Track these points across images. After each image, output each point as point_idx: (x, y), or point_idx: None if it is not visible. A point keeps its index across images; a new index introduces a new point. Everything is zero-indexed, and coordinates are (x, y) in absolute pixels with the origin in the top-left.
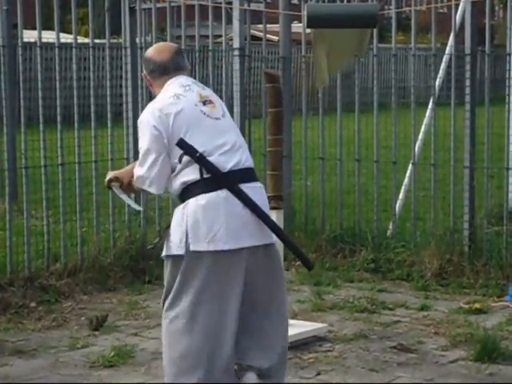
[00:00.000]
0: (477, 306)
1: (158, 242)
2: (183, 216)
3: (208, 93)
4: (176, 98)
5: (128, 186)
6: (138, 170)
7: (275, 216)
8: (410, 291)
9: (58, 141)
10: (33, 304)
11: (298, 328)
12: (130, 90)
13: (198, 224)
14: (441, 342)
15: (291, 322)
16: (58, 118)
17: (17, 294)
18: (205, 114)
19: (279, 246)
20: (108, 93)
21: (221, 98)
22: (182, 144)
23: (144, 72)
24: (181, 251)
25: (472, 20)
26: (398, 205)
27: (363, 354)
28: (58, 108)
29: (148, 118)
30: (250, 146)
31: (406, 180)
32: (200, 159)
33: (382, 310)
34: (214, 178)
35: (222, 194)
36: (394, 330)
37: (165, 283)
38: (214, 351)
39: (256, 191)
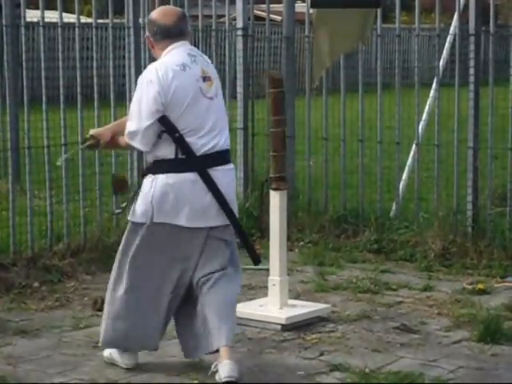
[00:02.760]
0: (480, 286)
1: (125, 207)
2: (150, 189)
3: (210, 68)
4: (182, 68)
5: (109, 143)
6: (131, 125)
7: (278, 197)
8: (413, 272)
9: (60, 121)
10: (36, 284)
11: (301, 308)
12: (133, 70)
13: (163, 199)
14: (444, 323)
15: (294, 302)
16: (61, 98)
17: (20, 274)
18: (202, 91)
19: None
20: (111, 73)
21: (224, 78)
22: (164, 121)
23: (147, 33)
24: (143, 219)
25: (476, 0)
26: (401, 185)
27: (366, 334)
28: (61, 88)
29: (151, 77)
30: (253, 126)
31: (410, 160)
32: (178, 140)
33: (385, 290)
34: (186, 160)
35: (191, 176)
36: (397, 311)
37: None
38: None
39: (226, 174)
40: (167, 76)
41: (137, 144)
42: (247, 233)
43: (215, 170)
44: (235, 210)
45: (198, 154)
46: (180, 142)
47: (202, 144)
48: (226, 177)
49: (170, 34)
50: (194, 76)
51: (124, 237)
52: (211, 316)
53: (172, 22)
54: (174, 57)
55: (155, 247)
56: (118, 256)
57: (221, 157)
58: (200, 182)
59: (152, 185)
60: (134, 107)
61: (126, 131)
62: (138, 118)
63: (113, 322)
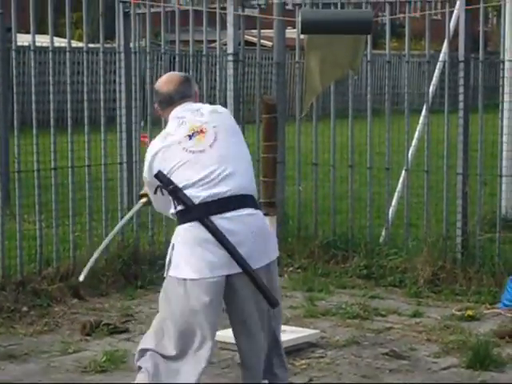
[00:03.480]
0: (469, 312)
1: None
2: (173, 240)
3: (203, 121)
4: (163, 139)
5: None
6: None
7: (268, 222)
8: (402, 298)
9: (51, 145)
10: (25, 308)
11: (290, 334)
12: (123, 94)
13: (177, 252)
14: (433, 349)
15: (284, 327)
16: (52, 122)
17: (9, 299)
18: (187, 150)
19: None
20: (101, 97)
21: (214, 103)
22: (158, 176)
23: (155, 104)
24: (165, 272)
25: (466, 27)
26: (390, 211)
27: (355, 360)
28: (52, 112)
29: (148, 151)
30: None
31: (399, 186)
32: (172, 192)
33: (375, 316)
34: (186, 210)
35: (193, 225)
36: (387, 337)
37: None
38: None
39: (236, 220)
40: (153, 153)
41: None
42: (260, 279)
43: (219, 217)
44: (253, 254)
45: (195, 203)
46: (174, 193)
47: (198, 193)
48: (237, 224)
49: (172, 100)
50: (175, 141)
51: None
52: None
53: (173, 89)
54: (164, 130)
55: (177, 304)
56: None
57: (227, 203)
58: (204, 231)
59: (174, 237)
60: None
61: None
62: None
63: None
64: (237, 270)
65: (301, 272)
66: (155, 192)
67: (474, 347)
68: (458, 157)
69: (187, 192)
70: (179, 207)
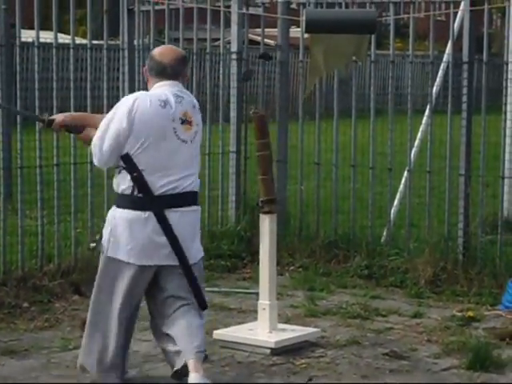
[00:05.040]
0: (470, 314)
1: (99, 239)
2: (111, 220)
3: (195, 115)
4: (162, 105)
5: (77, 132)
6: (96, 138)
7: (268, 220)
8: (403, 298)
9: (53, 141)
10: (25, 304)
11: (290, 333)
12: (126, 91)
13: (118, 233)
14: (433, 350)
15: (284, 326)
16: None
17: (10, 294)
18: (175, 132)
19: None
20: (105, 94)
21: (217, 101)
22: (125, 158)
23: (145, 66)
24: (103, 250)
25: (470, 28)
26: (392, 211)
27: (355, 360)
28: (55, 108)
29: (129, 101)
30: (246, 149)
31: (402, 187)
32: (135, 179)
33: (375, 316)
34: (143, 199)
35: (145, 215)
36: (387, 337)
37: None
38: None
39: (185, 215)
40: (144, 104)
41: (94, 158)
42: (196, 277)
43: (173, 211)
44: (191, 251)
45: (155, 194)
46: (137, 181)
47: (161, 184)
48: (185, 218)
49: (164, 72)
50: (171, 115)
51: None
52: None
53: (168, 62)
54: (159, 92)
55: (110, 279)
56: None
57: (182, 198)
58: (154, 222)
59: (112, 218)
60: (103, 123)
61: (93, 138)
62: (102, 135)
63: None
64: (170, 262)
65: (302, 271)
66: (119, 172)
67: (475, 348)
68: (460, 158)
69: (149, 179)
70: (135, 193)
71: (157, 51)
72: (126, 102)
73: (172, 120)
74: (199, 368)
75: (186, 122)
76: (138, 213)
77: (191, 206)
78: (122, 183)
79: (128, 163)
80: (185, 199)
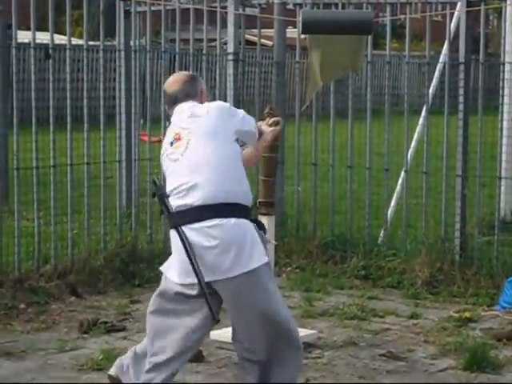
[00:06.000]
0: (467, 314)
1: None
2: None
3: (183, 126)
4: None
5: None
6: None
7: (266, 222)
8: (400, 299)
9: (50, 142)
10: (22, 306)
11: None
12: (123, 92)
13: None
14: (430, 351)
15: None
16: (51, 120)
17: (6, 296)
18: (169, 158)
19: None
20: (101, 95)
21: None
22: (154, 183)
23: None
24: None
25: (466, 29)
26: (389, 212)
27: (352, 361)
28: (51, 109)
29: None
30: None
31: (398, 187)
32: (159, 199)
33: (372, 317)
34: (168, 217)
35: (173, 232)
36: (384, 338)
37: None
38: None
39: (199, 232)
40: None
41: None
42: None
43: (190, 227)
44: (210, 271)
45: (171, 212)
46: (160, 200)
47: (174, 203)
48: (198, 235)
49: (177, 99)
50: (164, 147)
51: None
52: None
53: (177, 89)
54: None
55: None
56: None
57: (194, 214)
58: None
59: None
60: None
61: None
62: None
63: None
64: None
65: (299, 272)
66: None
67: (472, 349)
68: (457, 158)
69: (169, 199)
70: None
71: (166, 84)
72: None
73: (164, 151)
74: None
75: (175, 140)
76: (170, 231)
77: (206, 220)
78: None
79: (156, 185)
80: (196, 214)
